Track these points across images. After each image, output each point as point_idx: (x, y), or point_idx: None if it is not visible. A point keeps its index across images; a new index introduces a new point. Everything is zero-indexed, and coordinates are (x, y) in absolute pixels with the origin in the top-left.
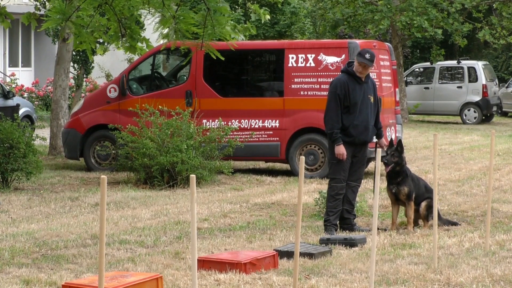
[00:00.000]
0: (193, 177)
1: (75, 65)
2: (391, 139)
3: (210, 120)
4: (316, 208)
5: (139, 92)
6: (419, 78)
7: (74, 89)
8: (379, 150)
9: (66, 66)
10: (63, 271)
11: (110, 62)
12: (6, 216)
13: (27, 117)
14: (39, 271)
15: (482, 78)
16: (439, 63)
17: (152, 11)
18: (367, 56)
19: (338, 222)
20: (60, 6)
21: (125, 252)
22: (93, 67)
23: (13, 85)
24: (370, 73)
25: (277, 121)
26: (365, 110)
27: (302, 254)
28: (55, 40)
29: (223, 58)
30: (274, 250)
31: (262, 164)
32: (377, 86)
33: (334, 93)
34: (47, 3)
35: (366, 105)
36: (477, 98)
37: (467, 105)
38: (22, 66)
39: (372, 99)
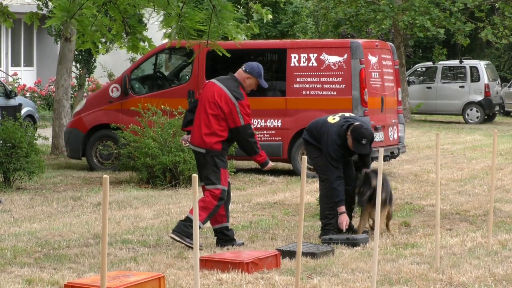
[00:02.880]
0: (195, 176)
1: (78, 64)
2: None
3: None
4: (318, 208)
5: (142, 91)
6: (422, 77)
7: (77, 89)
8: (381, 150)
9: (68, 65)
10: (65, 271)
11: (113, 62)
12: (8, 215)
13: (30, 116)
14: (41, 270)
15: (485, 78)
16: (441, 62)
17: (156, 9)
18: (363, 142)
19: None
20: (64, 3)
21: (128, 251)
22: (95, 66)
23: (16, 85)
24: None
25: (279, 120)
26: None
27: (304, 254)
28: (58, 39)
29: (229, 55)
30: (276, 249)
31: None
32: (379, 85)
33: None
34: (49, 3)
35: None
36: (479, 97)
37: (470, 104)
38: (24, 66)
39: None
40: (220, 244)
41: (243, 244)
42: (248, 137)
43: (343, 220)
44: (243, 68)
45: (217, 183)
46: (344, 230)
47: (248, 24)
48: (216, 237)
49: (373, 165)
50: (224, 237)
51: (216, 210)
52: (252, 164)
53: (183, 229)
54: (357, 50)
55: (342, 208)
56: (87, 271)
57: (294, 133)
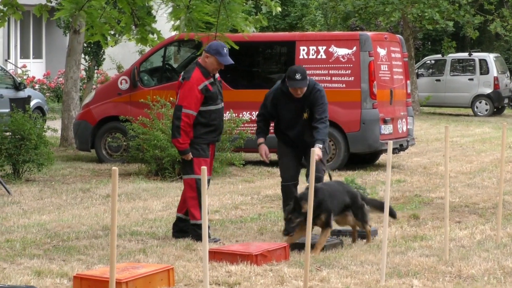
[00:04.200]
0: (204, 168)
1: (86, 56)
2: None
3: None
4: None
5: (150, 83)
6: (431, 70)
7: (85, 81)
8: (390, 142)
9: (77, 57)
10: (75, 262)
11: (122, 54)
12: (17, 207)
13: (39, 108)
14: (50, 262)
15: (494, 70)
16: (450, 55)
17: (165, 1)
18: (297, 76)
19: None
20: None
21: (137, 243)
22: (104, 58)
23: (25, 77)
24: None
25: None
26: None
27: (313, 246)
28: (66, 31)
29: (237, 47)
30: (285, 242)
31: (273, 156)
32: (388, 78)
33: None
34: None
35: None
36: (488, 90)
37: (479, 97)
38: (33, 58)
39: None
40: (173, 234)
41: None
42: (174, 118)
43: (260, 150)
44: (205, 49)
45: (191, 173)
46: (266, 160)
47: (257, 17)
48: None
49: (383, 157)
50: (176, 227)
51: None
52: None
53: (193, 234)
54: (366, 43)
55: (259, 140)
56: (96, 263)
57: None
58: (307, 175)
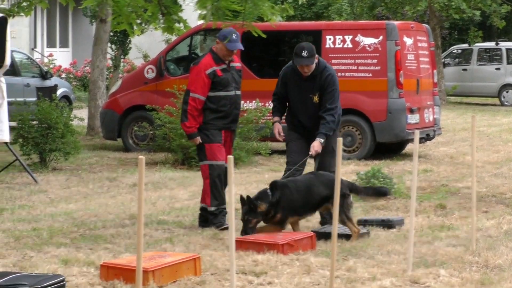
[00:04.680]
0: (230, 158)
1: (113, 46)
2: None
3: (248, 101)
4: None
5: (177, 73)
6: (457, 59)
7: (112, 70)
8: (417, 132)
9: (103, 47)
10: (101, 251)
11: (148, 43)
12: (44, 196)
13: (65, 97)
14: (77, 251)
15: None
16: (477, 44)
17: None
18: (304, 53)
19: None
20: None
21: (163, 232)
22: (130, 48)
23: (51, 66)
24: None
25: None
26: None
27: (340, 236)
28: (93, 20)
29: (264, 36)
30: (311, 231)
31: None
32: (415, 67)
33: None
34: None
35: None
36: None
37: (506, 86)
38: (60, 47)
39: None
40: (200, 223)
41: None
42: (183, 102)
43: (274, 128)
44: (216, 35)
45: (203, 159)
46: (280, 139)
47: (283, 6)
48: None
49: (410, 146)
50: (202, 217)
51: (218, 186)
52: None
53: (213, 221)
54: (393, 32)
55: (274, 119)
56: (123, 252)
57: None
58: (318, 166)
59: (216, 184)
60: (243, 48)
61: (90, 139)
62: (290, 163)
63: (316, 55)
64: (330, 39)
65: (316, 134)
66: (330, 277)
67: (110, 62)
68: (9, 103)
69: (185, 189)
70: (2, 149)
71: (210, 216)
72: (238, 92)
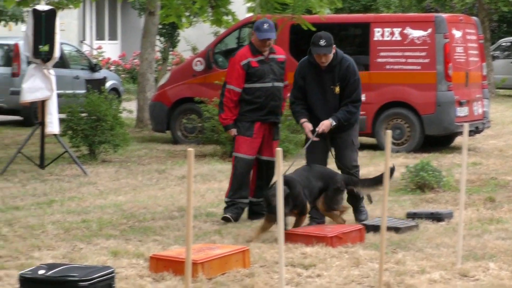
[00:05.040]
0: (279, 150)
1: (161, 38)
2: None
3: None
4: (402, 182)
5: (225, 65)
6: (506, 52)
7: (161, 62)
8: (466, 124)
9: (152, 39)
10: (151, 243)
11: (196, 36)
12: (93, 188)
13: (114, 90)
14: (126, 242)
15: None
16: None
17: None
18: (321, 42)
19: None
20: None
21: (212, 224)
22: (179, 40)
23: (100, 58)
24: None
25: (363, 95)
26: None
27: (389, 228)
28: (141, 13)
29: (314, 29)
30: (360, 223)
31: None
32: (463, 60)
33: None
34: None
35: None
36: None
37: None
38: (108, 39)
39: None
40: (248, 215)
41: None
42: (220, 94)
43: (305, 128)
44: None
45: (234, 150)
46: (313, 137)
47: None
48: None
49: (459, 139)
50: (250, 210)
51: (239, 179)
52: None
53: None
54: (441, 25)
55: (302, 120)
56: (172, 244)
57: (378, 108)
58: (337, 160)
59: (237, 176)
60: (273, 38)
61: (139, 131)
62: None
63: (334, 45)
64: (378, 31)
65: (331, 116)
66: (379, 270)
67: (158, 54)
68: (59, 96)
69: None
70: (51, 141)
71: (225, 206)
72: (277, 84)
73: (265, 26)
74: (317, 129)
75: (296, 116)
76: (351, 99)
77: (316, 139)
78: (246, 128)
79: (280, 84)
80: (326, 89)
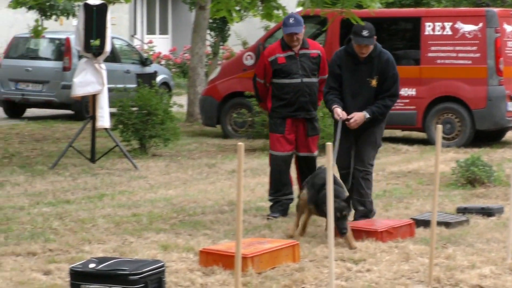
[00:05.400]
0: (329, 145)
1: (212, 32)
2: None
3: None
4: (453, 177)
5: None
6: None
7: (211, 57)
8: None
9: (202, 33)
10: (201, 237)
11: (247, 30)
12: (144, 182)
13: (165, 84)
14: (176, 236)
15: None
16: None
17: None
18: (364, 33)
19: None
20: None
21: (262, 219)
22: (229, 34)
23: (151, 53)
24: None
25: (414, 89)
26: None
27: (439, 223)
28: (192, 7)
29: (363, 23)
30: (410, 218)
31: (398, 133)
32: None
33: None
34: None
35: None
36: None
37: None
38: (159, 34)
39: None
40: None
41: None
42: (253, 86)
43: (335, 112)
44: None
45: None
46: (339, 118)
47: None
48: None
49: (510, 134)
50: None
51: (277, 177)
52: (386, 132)
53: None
54: (493, 19)
55: (334, 106)
56: (222, 238)
57: (428, 102)
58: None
59: (274, 173)
60: (299, 32)
61: (190, 126)
62: (340, 168)
63: (375, 37)
64: (429, 26)
65: (365, 108)
66: (429, 264)
67: (209, 49)
68: (109, 90)
69: None
70: (102, 135)
71: (270, 204)
72: (307, 80)
73: (291, 20)
74: (349, 117)
75: (330, 104)
76: (389, 93)
77: (344, 118)
78: (278, 125)
79: (312, 80)
80: (362, 81)
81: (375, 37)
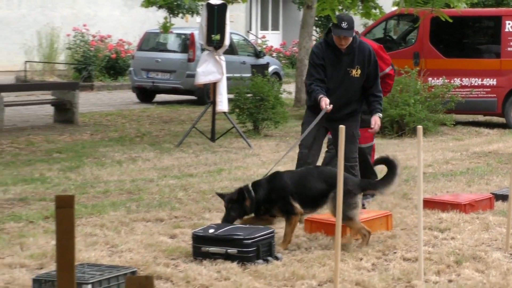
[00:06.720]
0: (419, 128)
1: (317, 29)
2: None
3: (435, 78)
4: None
5: None
6: None
7: None
8: None
9: (309, 30)
10: None
11: None
12: (257, 158)
13: (276, 74)
14: None
15: None
16: None
17: None
18: (343, 25)
19: None
20: None
21: None
22: None
23: (264, 46)
24: None
25: (494, 79)
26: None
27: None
28: (300, 7)
29: (451, 21)
30: (490, 193)
31: (480, 118)
32: None
33: None
34: None
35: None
36: None
37: None
38: (271, 30)
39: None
40: None
41: None
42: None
43: (322, 101)
44: None
45: None
46: (328, 108)
47: None
48: None
49: None
50: None
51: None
52: (470, 117)
53: None
54: None
55: (320, 96)
56: (324, 209)
57: (507, 91)
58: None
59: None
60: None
61: (297, 110)
62: (303, 146)
63: (356, 29)
64: (509, 24)
65: (372, 111)
66: (506, 234)
67: (314, 43)
68: (228, 78)
69: (377, 154)
70: (221, 117)
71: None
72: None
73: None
74: (372, 127)
75: (316, 94)
76: (376, 88)
77: (329, 110)
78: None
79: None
80: (343, 72)
81: (355, 30)
